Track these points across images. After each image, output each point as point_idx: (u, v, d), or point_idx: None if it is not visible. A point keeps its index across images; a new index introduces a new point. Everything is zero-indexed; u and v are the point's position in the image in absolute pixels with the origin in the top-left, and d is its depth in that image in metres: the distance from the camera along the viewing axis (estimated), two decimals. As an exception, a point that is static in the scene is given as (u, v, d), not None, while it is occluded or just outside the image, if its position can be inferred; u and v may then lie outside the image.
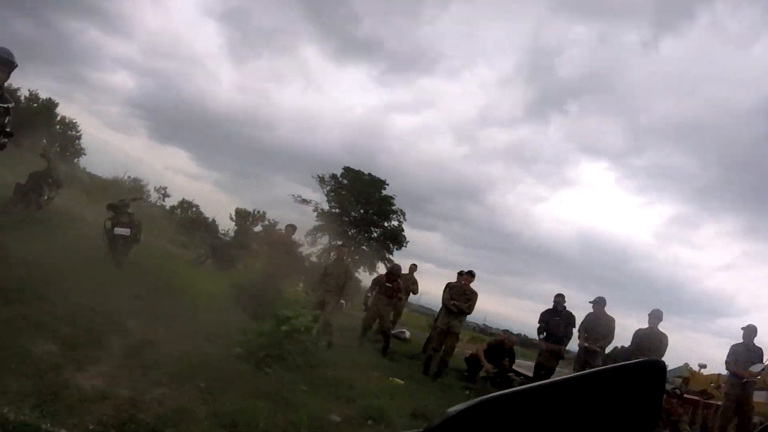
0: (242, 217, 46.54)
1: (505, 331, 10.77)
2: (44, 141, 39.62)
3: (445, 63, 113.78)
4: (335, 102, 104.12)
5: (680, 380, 10.61)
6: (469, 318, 8.85)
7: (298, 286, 8.90)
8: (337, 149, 79.92)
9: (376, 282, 9.28)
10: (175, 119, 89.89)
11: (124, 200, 8.57)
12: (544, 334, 8.31)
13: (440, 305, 8.60)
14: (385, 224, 41.28)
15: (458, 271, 9.77)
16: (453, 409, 0.53)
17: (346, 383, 5.39)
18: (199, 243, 22.11)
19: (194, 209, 46.29)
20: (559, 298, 8.42)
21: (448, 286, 8.82)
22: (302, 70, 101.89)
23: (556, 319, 8.31)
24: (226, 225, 47.16)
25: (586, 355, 7.77)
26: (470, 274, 8.50)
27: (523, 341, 17.51)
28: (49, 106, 42.51)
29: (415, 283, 10.76)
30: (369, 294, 10.00)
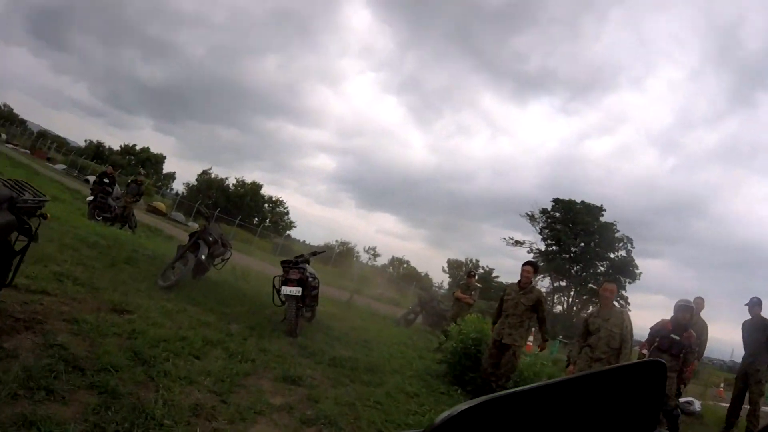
0: (454, 267, 46.65)
1: None
2: (255, 219, 46.34)
3: (625, 74, 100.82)
4: (525, 140, 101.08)
5: None
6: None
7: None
8: (536, 188, 76.47)
9: (655, 333, 6.67)
10: (378, 187, 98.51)
11: (302, 255, 7.39)
12: None
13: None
14: (611, 255, 36.28)
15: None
16: (454, 409, 0.50)
17: None
18: (412, 298, 21.99)
19: (405, 265, 48.29)
20: None
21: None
22: (485, 118, 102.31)
23: None
24: (440, 278, 48.00)
25: None
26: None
27: None
28: (255, 188, 50.28)
29: (705, 341, 7.95)
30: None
